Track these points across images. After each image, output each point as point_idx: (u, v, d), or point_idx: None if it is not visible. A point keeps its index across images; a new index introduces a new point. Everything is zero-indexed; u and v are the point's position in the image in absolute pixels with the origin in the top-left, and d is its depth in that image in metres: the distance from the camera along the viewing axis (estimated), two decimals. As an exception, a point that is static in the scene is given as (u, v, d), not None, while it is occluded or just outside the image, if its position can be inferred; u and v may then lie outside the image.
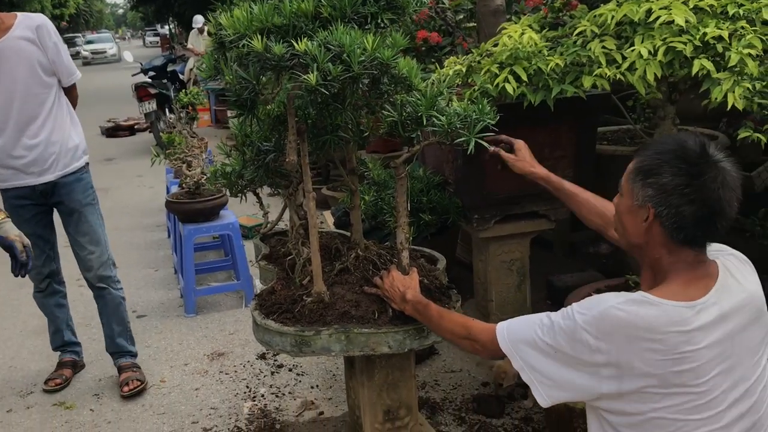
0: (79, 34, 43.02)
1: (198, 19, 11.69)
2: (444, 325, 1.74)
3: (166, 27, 35.32)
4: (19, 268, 2.61)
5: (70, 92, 3.26)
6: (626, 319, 1.37)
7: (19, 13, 3.04)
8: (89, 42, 38.46)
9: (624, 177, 1.53)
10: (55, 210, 3.26)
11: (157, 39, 41.21)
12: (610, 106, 3.35)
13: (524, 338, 1.51)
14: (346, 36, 1.56)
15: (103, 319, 3.37)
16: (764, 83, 2.10)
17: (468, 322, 1.70)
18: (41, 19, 3.05)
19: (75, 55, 35.60)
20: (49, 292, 3.37)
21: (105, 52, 35.90)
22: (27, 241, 2.67)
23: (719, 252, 1.53)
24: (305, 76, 1.53)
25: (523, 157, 2.04)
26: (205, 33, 11.08)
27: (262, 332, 1.91)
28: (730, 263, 1.52)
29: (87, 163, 3.26)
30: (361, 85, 1.62)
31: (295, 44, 1.57)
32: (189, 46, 11.97)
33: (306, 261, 2.03)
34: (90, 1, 52.40)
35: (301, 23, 1.64)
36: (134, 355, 3.44)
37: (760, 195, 4.71)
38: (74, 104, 3.28)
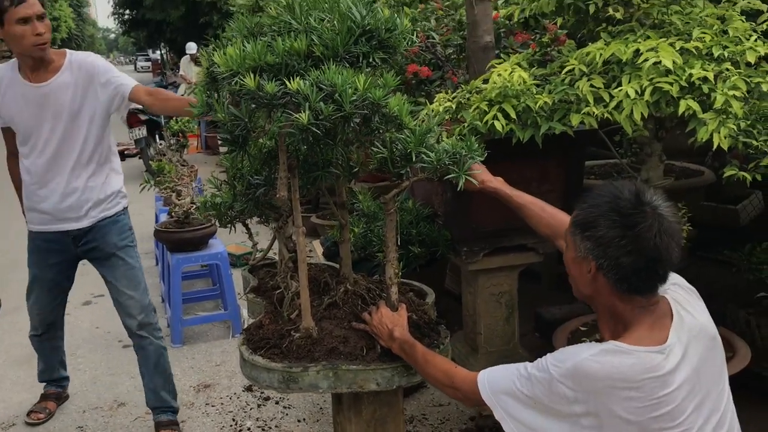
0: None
1: (191, 47, 11.77)
2: (428, 370, 1.75)
3: (158, 52, 35.43)
4: None
5: (151, 95, 2.93)
6: (601, 370, 1.38)
7: (68, 52, 2.89)
8: None
9: (566, 229, 1.56)
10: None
11: (149, 64, 41.27)
12: (597, 141, 3.39)
13: (504, 389, 1.52)
14: (338, 76, 1.58)
15: (143, 371, 3.14)
16: (749, 122, 2.14)
17: (451, 369, 1.71)
18: (91, 59, 2.90)
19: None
20: (47, 338, 3.24)
21: None
22: None
23: (669, 285, 1.54)
24: (297, 115, 1.54)
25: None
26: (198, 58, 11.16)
27: (250, 368, 1.90)
28: (679, 296, 1.55)
29: (125, 207, 3.11)
30: (352, 124, 1.63)
31: (287, 83, 1.58)
32: (181, 73, 12.03)
33: (294, 295, 2.03)
34: (82, 26, 52.53)
35: (293, 62, 1.66)
36: (175, 411, 3.21)
37: (746, 228, 4.77)
38: (166, 104, 2.94)
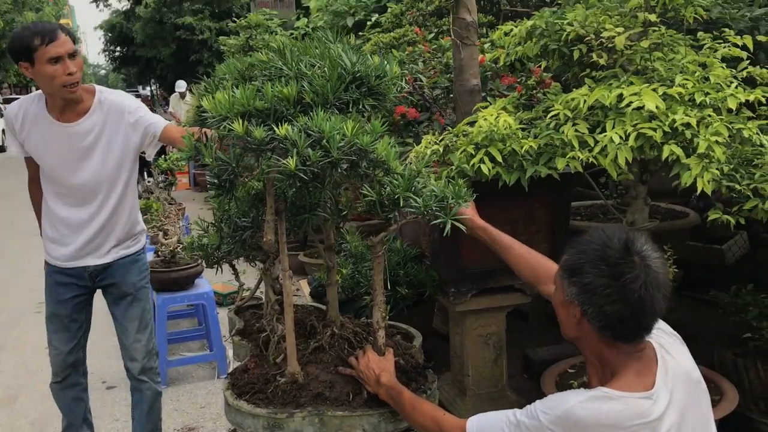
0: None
1: (180, 84, 11.84)
2: (416, 417, 1.73)
3: (148, 89, 35.57)
4: None
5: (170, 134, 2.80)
6: (591, 416, 1.38)
7: (97, 90, 2.75)
8: None
9: (556, 272, 1.57)
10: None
11: (138, 101, 41.35)
12: (583, 181, 3.43)
13: None
14: (326, 122, 1.59)
15: (135, 414, 3.00)
16: (731, 166, 2.17)
17: (439, 416, 1.70)
18: (120, 99, 2.79)
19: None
20: (69, 384, 2.95)
21: None
22: None
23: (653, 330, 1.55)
24: (284, 161, 1.55)
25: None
26: (187, 98, 11.21)
27: (234, 413, 1.87)
28: (663, 340, 1.56)
29: (144, 245, 3.01)
30: (339, 169, 1.64)
31: (275, 128, 1.59)
32: (170, 110, 12.08)
33: (280, 338, 2.01)
34: (72, 62, 52.78)
35: (282, 107, 1.67)
36: None
37: (732, 268, 4.80)
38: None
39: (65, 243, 2.81)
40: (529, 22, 2.60)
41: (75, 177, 2.73)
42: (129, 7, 22.62)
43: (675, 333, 1.62)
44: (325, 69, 1.75)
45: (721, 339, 3.28)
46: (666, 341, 1.56)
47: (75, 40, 2.60)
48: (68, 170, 2.73)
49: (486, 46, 3.88)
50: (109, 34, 29.10)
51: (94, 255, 2.82)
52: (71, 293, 2.86)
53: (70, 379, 2.95)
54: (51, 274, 2.86)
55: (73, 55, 2.55)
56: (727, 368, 3.09)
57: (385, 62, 1.84)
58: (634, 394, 1.41)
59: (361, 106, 1.74)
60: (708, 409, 1.54)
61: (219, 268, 2.30)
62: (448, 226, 1.78)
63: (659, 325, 1.59)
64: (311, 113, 1.64)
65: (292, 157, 1.55)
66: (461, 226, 1.84)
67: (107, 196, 2.78)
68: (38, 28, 2.53)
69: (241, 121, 1.61)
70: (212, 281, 4.38)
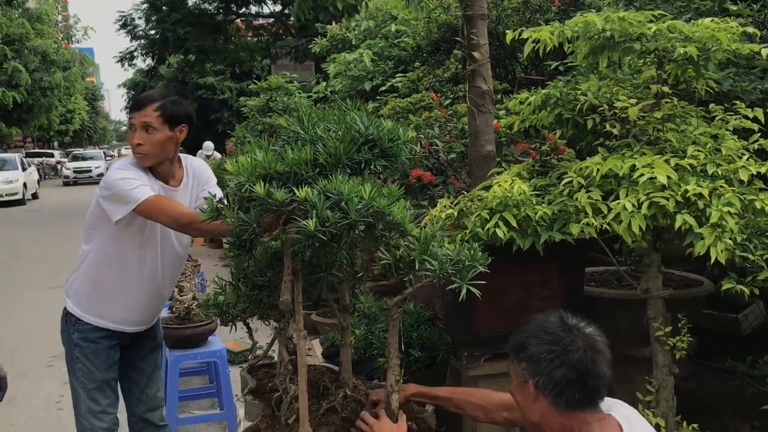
0: (81, 150, 41.15)
1: (208, 146, 11.98)
2: None
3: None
4: None
5: None
6: None
7: (182, 158, 2.78)
8: (75, 158, 31.64)
9: (508, 360, 1.71)
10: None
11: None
12: (598, 246, 3.43)
13: None
14: (345, 185, 1.64)
15: None
16: (745, 236, 2.19)
17: None
18: (203, 168, 2.85)
19: (54, 174, 33.57)
20: None
21: (90, 170, 29.32)
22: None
23: (612, 404, 1.66)
24: (304, 222, 1.59)
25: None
26: (212, 156, 11.38)
27: (245, 475, 1.86)
28: (627, 412, 1.65)
29: None
30: (357, 231, 1.68)
31: (296, 191, 1.64)
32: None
33: (293, 399, 2.01)
34: (95, 118, 53.98)
35: (302, 170, 1.72)
36: None
37: (748, 338, 4.72)
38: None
39: (134, 308, 2.75)
40: (544, 91, 2.67)
41: (169, 243, 2.73)
42: (152, 66, 23.25)
43: (631, 408, 1.70)
44: (340, 132, 1.82)
45: (739, 410, 3.22)
46: (631, 414, 1.64)
47: (171, 115, 2.59)
48: (163, 232, 2.69)
49: (501, 113, 3.96)
50: (132, 92, 29.80)
51: (148, 322, 2.83)
52: (119, 353, 2.80)
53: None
54: (99, 341, 2.73)
55: (144, 127, 2.56)
56: (745, 441, 3.03)
57: (399, 126, 1.90)
58: None
59: (373, 167, 1.80)
60: None
61: (233, 326, 2.32)
62: (464, 290, 1.80)
63: (616, 401, 1.67)
64: (330, 176, 1.69)
65: (311, 219, 1.59)
66: (476, 291, 1.86)
67: (182, 259, 2.85)
68: (141, 94, 2.63)
69: (262, 183, 1.66)
70: (224, 339, 4.38)
